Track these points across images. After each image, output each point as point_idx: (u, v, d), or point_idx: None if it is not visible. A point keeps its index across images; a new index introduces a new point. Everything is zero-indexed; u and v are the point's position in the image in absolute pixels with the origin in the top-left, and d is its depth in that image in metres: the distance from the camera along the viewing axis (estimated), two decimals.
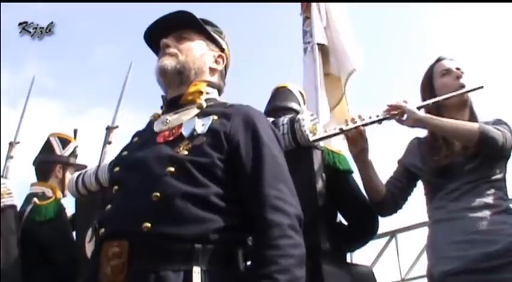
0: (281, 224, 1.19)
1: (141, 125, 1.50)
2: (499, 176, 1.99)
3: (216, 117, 1.34)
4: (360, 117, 2.04)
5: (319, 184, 1.98)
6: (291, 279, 1.15)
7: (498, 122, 2.01)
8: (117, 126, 2.98)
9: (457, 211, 1.93)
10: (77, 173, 2.52)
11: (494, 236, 1.85)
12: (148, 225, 1.17)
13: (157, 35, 1.47)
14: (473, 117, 2.09)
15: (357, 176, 2.11)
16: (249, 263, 1.27)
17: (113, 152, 2.84)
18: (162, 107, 1.48)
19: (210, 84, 1.47)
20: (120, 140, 2.97)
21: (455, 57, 2.18)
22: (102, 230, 1.24)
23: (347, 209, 2.12)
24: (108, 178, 2.14)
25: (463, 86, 2.07)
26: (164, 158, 1.27)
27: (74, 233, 2.56)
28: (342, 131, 2.02)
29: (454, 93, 2.05)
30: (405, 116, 2.00)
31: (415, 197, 2.17)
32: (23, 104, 3.22)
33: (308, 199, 1.82)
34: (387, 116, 2.02)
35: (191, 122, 1.35)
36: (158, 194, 1.20)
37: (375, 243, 3.92)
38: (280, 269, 1.14)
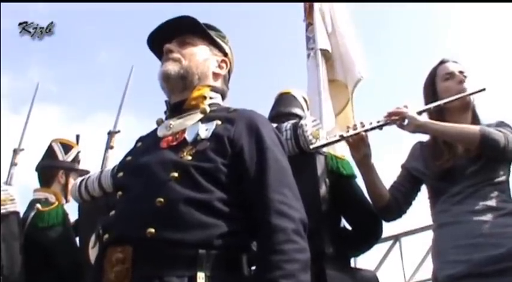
0: (286, 229, 1.19)
1: (143, 130, 1.51)
2: (502, 179, 1.99)
3: (219, 122, 1.34)
4: (361, 123, 2.03)
5: (323, 189, 1.98)
6: None
7: (501, 124, 2.00)
8: (118, 131, 2.99)
9: (460, 215, 1.92)
10: (79, 179, 2.52)
11: (499, 239, 1.84)
12: (152, 230, 1.17)
13: (161, 40, 1.47)
14: (475, 120, 2.08)
15: (360, 181, 2.11)
16: (253, 268, 1.27)
17: (114, 157, 2.85)
18: (165, 112, 1.48)
19: (214, 89, 1.47)
20: (122, 145, 2.98)
21: (459, 59, 2.18)
22: (106, 235, 1.24)
23: (351, 214, 2.12)
24: (111, 183, 2.14)
25: (465, 91, 2.07)
26: (168, 164, 1.27)
27: (77, 239, 2.56)
28: (342, 138, 2.01)
29: (456, 97, 2.05)
30: (406, 122, 1.99)
31: (419, 201, 2.17)
32: (25, 109, 3.24)
33: (312, 204, 1.81)
34: (388, 121, 2.01)
35: (195, 127, 1.35)
36: (162, 199, 1.20)
37: (378, 247, 3.91)
38: (285, 274, 1.14)
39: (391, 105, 2.04)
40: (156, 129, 1.44)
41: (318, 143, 1.99)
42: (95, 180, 2.42)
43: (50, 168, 2.85)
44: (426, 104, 2.12)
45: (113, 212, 1.28)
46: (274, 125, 2.01)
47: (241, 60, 1.62)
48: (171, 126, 1.39)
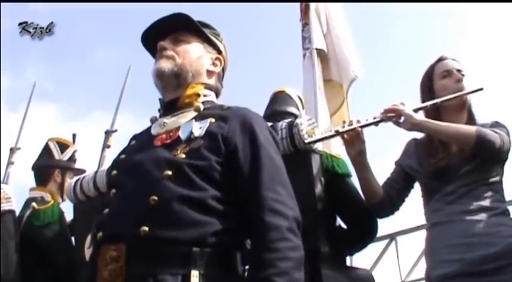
0: (279, 227, 1.19)
1: (141, 129, 1.50)
2: (495, 179, 1.99)
3: (213, 120, 1.33)
4: (357, 120, 2.04)
5: (318, 188, 1.98)
6: None
7: (496, 125, 2.00)
8: (115, 130, 2.99)
9: (454, 214, 1.92)
10: (74, 179, 2.51)
11: (492, 239, 1.84)
12: (146, 229, 1.17)
13: (155, 38, 1.47)
14: (471, 120, 2.08)
15: (355, 180, 2.11)
16: (247, 266, 1.27)
17: (112, 156, 2.84)
18: (159, 110, 1.48)
19: (208, 87, 1.47)
20: (119, 144, 2.97)
21: (457, 57, 2.18)
22: (100, 233, 1.24)
23: (346, 213, 2.12)
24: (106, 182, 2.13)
25: (462, 90, 2.07)
26: (162, 162, 1.27)
27: (73, 238, 2.56)
28: (337, 133, 2.02)
29: (453, 96, 2.05)
30: (402, 119, 1.99)
31: (414, 200, 2.17)
32: (23, 107, 3.24)
33: (307, 203, 1.82)
34: (384, 118, 2.01)
35: (188, 125, 1.35)
36: (156, 197, 1.20)
37: (374, 246, 3.91)
38: (278, 272, 1.14)
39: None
40: (150, 127, 1.44)
41: (313, 138, 1.99)
42: (90, 181, 2.42)
43: (46, 167, 2.86)
44: (423, 101, 2.12)
45: (106, 210, 1.28)
46: (270, 123, 2.01)
47: (236, 58, 1.61)
48: (165, 124, 1.39)
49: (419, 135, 2.15)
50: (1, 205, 2.46)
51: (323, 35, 3.46)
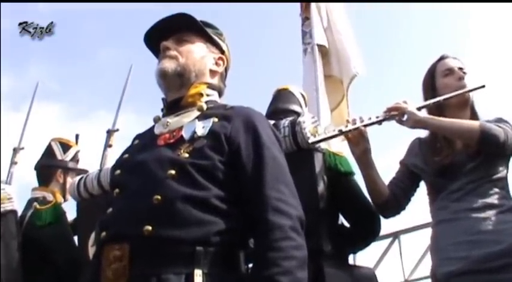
0: (283, 226, 1.19)
1: (143, 128, 1.50)
2: (501, 175, 1.98)
3: (216, 120, 1.33)
4: (360, 118, 2.03)
5: (321, 186, 1.97)
6: (293, 281, 1.14)
7: (499, 121, 2.00)
8: (117, 130, 3.00)
9: (460, 212, 1.92)
10: (78, 177, 2.52)
11: (498, 236, 1.83)
12: (149, 228, 1.17)
13: (158, 38, 1.47)
14: (474, 116, 2.08)
15: (358, 178, 2.11)
16: (250, 265, 1.27)
17: (114, 156, 2.85)
18: (162, 110, 1.48)
19: (211, 86, 1.47)
20: (122, 143, 2.98)
21: (459, 55, 2.18)
22: (103, 233, 1.24)
23: (349, 211, 2.12)
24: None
25: (464, 88, 2.07)
26: (165, 161, 1.27)
27: (76, 237, 2.56)
28: (341, 133, 2.02)
29: (455, 93, 2.05)
30: (405, 117, 1.99)
31: (418, 198, 2.17)
32: (26, 107, 3.25)
33: (310, 201, 1.81)
34: (387, 116, 2.01)
35: (192, 124, 1.35)
36: (159, 197, 1.20)
37: (377, 244, 3.92)
38: (282, 271, 1.14)
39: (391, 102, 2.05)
40: (153, 127, 1.44)
41: (317, 138, 1.99)
42: (94, 179, 2.42)
43: (48, 167, 2.85)
44: (425, 99, 2.12)
45: (110, 210, 1.28)
46: (272, 121, 2.01)
47: (236, 56, 1.61)
48: (168, 123, 1.39)
49: (422, 133, 2.15)
50: (3, 205, 2.47)
51: (323, 30, 3.46)
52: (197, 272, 1.15)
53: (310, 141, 1.96)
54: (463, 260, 1.83)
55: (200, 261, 1.16)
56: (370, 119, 2.02)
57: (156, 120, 1.45)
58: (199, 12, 1.51)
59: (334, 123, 3.15)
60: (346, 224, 2.15)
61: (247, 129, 1.32)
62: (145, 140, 1.41)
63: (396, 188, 2.08)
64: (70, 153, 2.91)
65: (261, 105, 2.32)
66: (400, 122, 2.01)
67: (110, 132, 2.98)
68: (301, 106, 2.32)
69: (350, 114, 3.47)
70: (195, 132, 1.32)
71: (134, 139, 1.48)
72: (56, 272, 2.48)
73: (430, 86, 2.13)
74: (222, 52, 1.54)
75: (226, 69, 1.55)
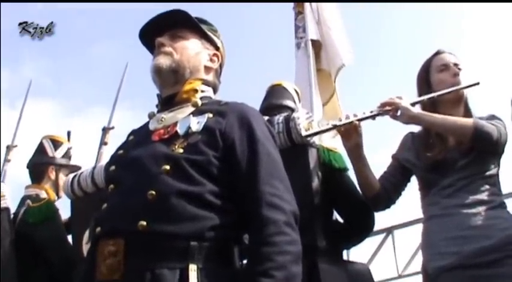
0: (277, 221, 1.19)
1: (139, 124, 1.50)
2: (492, 172, 2.00)
3: (211, 115, 1.34)
4: (354, 114, 2.04)
5: (315, 182, 1.98)
6: (287, 276, 1.15)
7: (492, 118, 2.01)
8: (113, 127, 3.00)
9: (451, 207, 1.93)
10: (71, 175, 2.51)
11: (489, 231, 1.85)
12: (144, 223, 1.17)
13: (152, 34, 1.47)
14: (468, 113, 2.09)
15: (352, 174, 2.11)
16: (245, 260, 1.27)
17: (109, 153, 2.84)
18: (157, 106, 1.48)
19: (205, 83, 1.47)
20: (118, 140, 2.97)
21: (454, 51, 2.19)
22: (98, 228, 1.24)
23: (343, 207, 2.13)
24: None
25: (459, 84, 2.08)
26: (159, 157, 1.27)
27: (70, 235, 2.56)
28: (334, 127, 2.02)
29: (450, 90, 2.06)
30: (399, 112, 2.00)
31: (411, 194, 2.18)
32: (20, 104, 3.23)
33: (304, 197, 1.82)
34: (381, 111, 2.02)
35: (186, 120, 1.35)
36: (154, 192, 1.20)
37: (371, 240, 3.92)
38: (276, 266, 1.14)
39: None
40: (147, 123, 1.44)
41: (310, 131, 1.99)
42: (87, 176, 2.42)
43: (39, 165, 2.85)
44: (419, 94, 2.12)
45: (105, 206, 1.28)
46: (266, 117, 2.01)
47: (229, 51, 1.61)
48: (163, 119, 1.39)
49: (416, 128, 2.16)
50: None
51: (316, 23, 3.47)
52: (191, 267, 1.16)
53: (303, 134, 1.96)
54: (454, 255, 1.85)
55: (194, 256, 1.16)
56: (364, 113, 2.03)
57: (151, 116, 1.45)
58: (193, 7, 1.50)
59: (326, 118, 3.15)
60: (341, 220, 2.16)
61: (242, 125, 1.32)
62: (140, 135, 1.42)
63: (387, 183, 2.09)
64: (61, 150, 2.91)
65: (254, 100, 2.32)
66: (394, 117, 2.02)
67: (105, 130, 2.98)
68: (295, 102, 2.33)
69: (341, 107, 3.48)
70: (189, 127, 1.32)
71: (129, 135, 1.48)
72: (49, 269, 2.48)
73: (425, 81, 2.14)
74: (217, 48, 1.54)
75: (221, 66, 1.55)
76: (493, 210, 1.91)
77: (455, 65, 2.12)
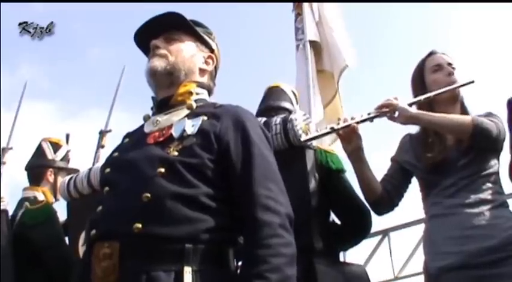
0: (272, 223, 1.20)
1: (135, 126, 1.50)
2: (493, 170, 1.99)
3: (205, 118, 1.34)
4: (352, 117, 2.04)
5: (312, 184, 1.98)
6: (282, 278, 1.15)
7: (489, 115, 2.00)
8: (110, 130, 3.00)
9: (453, 207, 1.92)
10: (68, 177, 2.51)
11: (491, 231, 1.84)
12: (139, 226, 1.17)
13: (147, 36, 1.47)
14: (464, 112, 2.09)
15: (350, 175, 2.11)
16: (240, 262, 1.27)
17: (106, 156, 2.84)
18: (152, 108, 1.48)
19: (200, 85, 1.47)
20: (115, 143, 2.97)
21: (447, 51, 2.19)
22: (93, 231, 1.24)
23: (340, 208, 2.12)
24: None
25: (454, 83, 2.08)
26: (154, 159, 1.27)
27: (67, 237, 2.56)
28: (333, 130, 2.02)
29: (446, 89, 2.06)
30: (397, 113, 2.00)
31: (407, 196, 2.18)
32: (16, 107, 3.22)
33: (301, 199, 1.82)
34: (378, 113, 2.02)
35: (181, 122, 1.35)
36: (148, 194, 1.20)
37: (367, 242, 3.93)
38: (271, 268, 1.14)
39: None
40: (143, 125, 1.44)
41: (309, 136, 1.99)
42: (84, 178, 2.42)
43: (38, 167, 2.85)
44: (415, 96, 2.12)
45: (100, 208, 1.28)
46: (264, 119, 2.02)
47: (228, 53, 1.61)
48: (158, 122, 1.39)
49: (414, 129, 2.16)
50: None
51: (315, 24, 3.46)
52: (186, 269, 1.16)
53: (302, 139, 1.97)
54: (456, 254, 1.84)
55: (189, 258, 1.17)
56: (361, 116, 2.03)
57: (146, 118, 1.46)
58: (191, 9, 1.51)
59: (327, 119, 3.15)
60: (338, 221, 2.16)
61: (237, 128, 1.32)
62: (135, 138, 1.42)
63: (389, 185, 2.08)
64: (60, 153, 2.91)
65: (252, 102, 2.33)
66: (392, 118, 2.01)
67: (102, 133, 2.98)
68: (292, 103, 2.33)
69: (343, 108, 3.48)
70: (184, 130, 1.32)
71: (124, 137, 1.48)
72: (47, 271, 2.48)
73: (420, 81, 2.14)
74: (212, 51, 1.54)
75: (216, 68, 1.56)
76: (496, 209, 1.91)
77: (449, 64, 2.12)
